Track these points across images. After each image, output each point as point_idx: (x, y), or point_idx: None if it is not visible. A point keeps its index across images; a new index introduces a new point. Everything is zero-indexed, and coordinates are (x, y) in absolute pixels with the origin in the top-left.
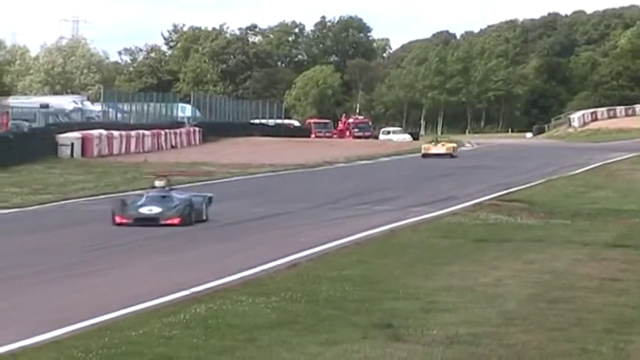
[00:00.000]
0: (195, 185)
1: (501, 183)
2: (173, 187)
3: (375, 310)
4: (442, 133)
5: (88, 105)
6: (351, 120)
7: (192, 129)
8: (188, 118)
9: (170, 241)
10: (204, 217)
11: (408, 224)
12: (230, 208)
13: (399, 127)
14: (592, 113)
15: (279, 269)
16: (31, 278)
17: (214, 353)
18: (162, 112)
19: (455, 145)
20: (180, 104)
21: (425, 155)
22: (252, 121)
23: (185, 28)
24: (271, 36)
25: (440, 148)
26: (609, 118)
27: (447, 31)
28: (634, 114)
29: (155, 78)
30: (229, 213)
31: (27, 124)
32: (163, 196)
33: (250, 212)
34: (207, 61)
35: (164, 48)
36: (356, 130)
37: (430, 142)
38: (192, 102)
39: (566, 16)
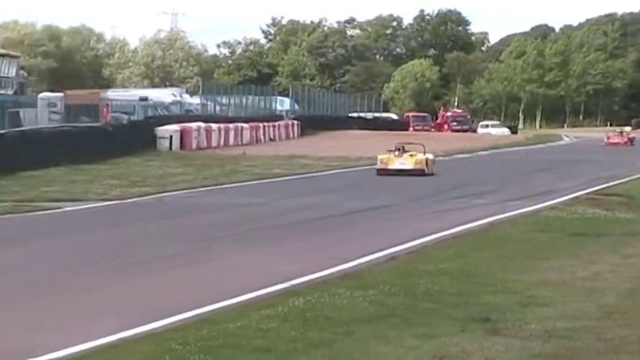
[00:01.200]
0: (293, 178)
1: (599, 177)
2: None
3: (473, 303)
4: (540, 126)
5: (187, 98)
6: (449, 113)
7: (290, 122)
8: (286, 111)
9: (271, 232)
10: None
11: (506, 218)
12: (328, 201)
13: (497, 120)
14: None
15: (377, 262)
16: (130, 270)
17: (312, 346)
18: (260, 105)
19: (429, 156)
20: (279, 97)
21: (381, 172)
22: (350, 115)
23: (284, 22)
24: (369, 29)
25: (405, 161)
26: None
27: (546, 25)
28: None
29: (254, 71)
30: (328, 206)
31: (126, 116)
32: None
33: (348, 205)
34: (305, 54)
35: (263, 41)
36: (454, 123)
37: (391, 152)
38: (290, 95)
39: None
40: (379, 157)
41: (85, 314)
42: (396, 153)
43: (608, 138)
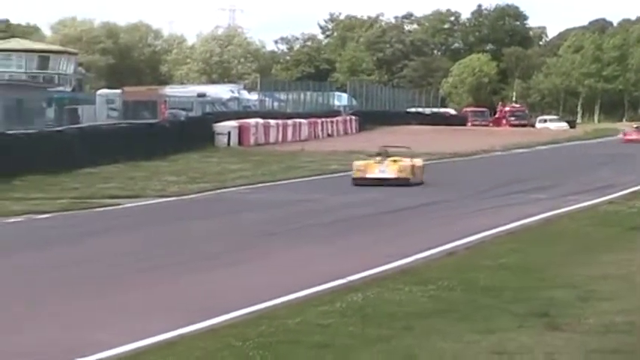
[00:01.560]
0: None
1: None
2: None
3: (532, 298)
4: (599, 121)
5: (245, 94)
6: (507, 108)
7: (348, 117)
8: (344, 106)
9: (327, 229)
10: None
11: (564, 212)
12: (386, 196)
13: (555, 115)
14: None
15: (436, 257)
16: (189, 265)
17: (370, 342)
18: (318, 101)
19: (417, 162)
20: (337, 93)
21: (358, 181)
22: (408, 110)
23: (341, 17)
24: (427, 24)
25: (386, 169)
26: None
27: (604, 19)
28: None
29: (312, 67)
30: (384, 202)
31: (184, 113)
32: None
33: (406, 201)
34: (363, 49)
35: (320, 37)
36: (512, 118)
37: (372, 158)
38: (348, 91)
39: None
40: (356, 163)
41: (142, 311)
42: (377, 158)
43: (625, 134)
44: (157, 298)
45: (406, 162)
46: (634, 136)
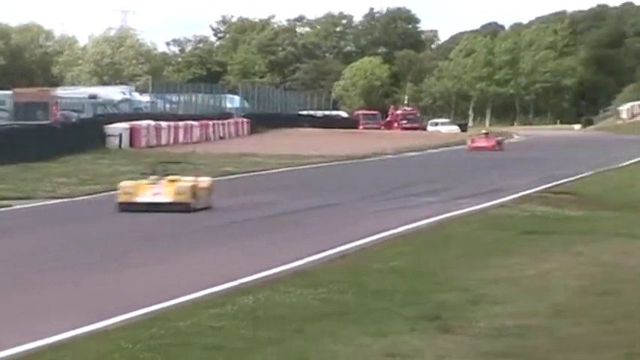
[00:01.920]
0: (243, 176)
1: (549, 175)
2: None
3: (424, 301)
4: (490, 124)
5: (136, 95)
6: (399, 111)
7: (240, 120)
8: (236, 109)
9: (220, 231)
10: None
11: (455, 216)
12: (278, 199)
13: (447, 118)
14: None
15: (327, 260)
16: (80, 268)
17: (262, 344)
18: (210, 103)
19: (203, 182)
20: (229, 95)
21: (124, 206)
22: (300, 113)
23: (233, 19)
24: (319, 27)
25: (160, 191)
26: None
27: (496, 23)
28: None
29: (204, 69)
30: (277, 204)
31: (75, 114)
32: None
33: (299, 203)
34: (255, 52)
35: (212, 39)
36: (404, 121)
37: (145, 177)
38: (240, 93)
39: (615, 7)
40: (123, 184)
41: (35, 313)
42: (152, 178)
43: (472, 141)
44: (53, 300)
45: (186, 182)
46: (482, 143)
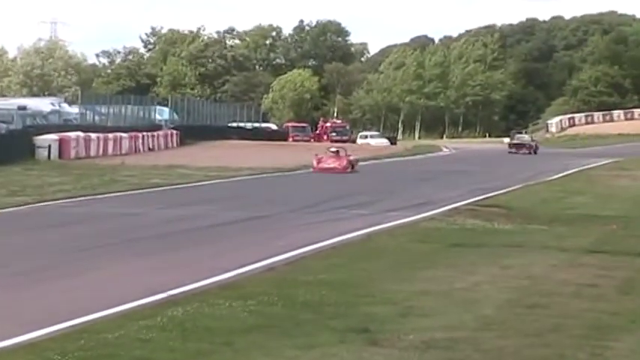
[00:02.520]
0: (172, 188)
1: (479, 188)
2: None
3: (352, 314)
4: (419, 137)
5: (66, 107)
6: (328, 124)
7: (169, 132)
8: (166, 120)
9: (148, 243)
10: None
11: (385, 229)
12: (207, 212)
13: (376, 131)
14: (570, 119)
15: (256, 273)
16: (7, 280)
17: (191, 356)
18: (139, 115)
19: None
20: (158, 107)
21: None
22: (230, 125)
23: (163, 31)
24: (248, 39)
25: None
26: (587, 123)
27: (426, 36)
28: (612, 120)
29: (133, 81)
30: (206, 216)
31: (4, 125)
32: None
33: (227, 215)
34: (185, 64)
35: (142, 50)
36: (333, 134)
37: None
38: (170, 105)
39: (545, 21)
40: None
41: None
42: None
43: (319, 161)
44: None
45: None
46: (330, 164)
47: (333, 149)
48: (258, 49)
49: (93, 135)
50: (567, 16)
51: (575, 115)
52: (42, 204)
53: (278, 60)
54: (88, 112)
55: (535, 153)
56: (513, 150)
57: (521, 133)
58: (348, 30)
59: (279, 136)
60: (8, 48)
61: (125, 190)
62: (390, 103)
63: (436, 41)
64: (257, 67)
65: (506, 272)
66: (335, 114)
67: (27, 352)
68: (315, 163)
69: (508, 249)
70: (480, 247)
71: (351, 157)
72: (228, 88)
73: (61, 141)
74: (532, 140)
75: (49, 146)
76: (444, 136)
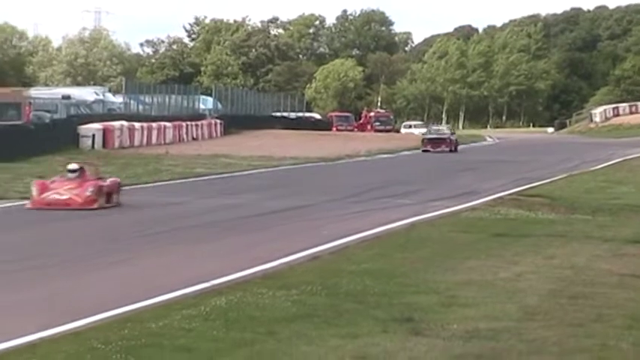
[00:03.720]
0: (216, 177)
1: (522, 177)
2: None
3: (396, 303)
4: (463, 127)
5: (110, 96)
6: (372, 113)
7: (213, 121)
8: (209, 110)
9: (192, 232)
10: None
11: (428, 218)
12: (251, 201)
13: (420, 120)
14: (614, 109)
15: (300, 262)
16: (54, 269)
17: (234, 346)
18: (183, 104)
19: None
20: (202, 96)
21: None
22: (273, 114)
23: (207, 21)
24: (292, 29)
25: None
26: (631, 113)
27: (470, 25)
28: None
29: (177, 70)
30: (250, 205)
31: (49, 115)
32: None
33: (271, 205)
34: (228, 53)
35: (186, 40)
36: (377, 123)
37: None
38: (213, 94)
39: (589, 11)
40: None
41: (3, 314)
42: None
43: (43, 189)
44: (24, 301)
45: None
46: (63, 195)
47: (72, 167)
48: (301, 39)
49: (137, 124)
50: (611, 6)
51: (619, 105)
52: None
53: (321, 49)
54: (131, 101)
55: (455, 150)
56: (428, 148)
57: (438, 125)
58: (392, 19)
59: (323, 125)
60: (53, 37)
61: (169, 179)
62: (434, 93)
63: (480, 31)
64: (300, 56)
65: (549, 262)
66: (379, 103)
67: (70, 342)
68: (35, 192)
69: (552, 239)
70: (524, 237)
71: (107, 183)
72: (272, 77)
73: (104, 130)
74: (452, 133)
75: (93, 136)
76: (488, 126)
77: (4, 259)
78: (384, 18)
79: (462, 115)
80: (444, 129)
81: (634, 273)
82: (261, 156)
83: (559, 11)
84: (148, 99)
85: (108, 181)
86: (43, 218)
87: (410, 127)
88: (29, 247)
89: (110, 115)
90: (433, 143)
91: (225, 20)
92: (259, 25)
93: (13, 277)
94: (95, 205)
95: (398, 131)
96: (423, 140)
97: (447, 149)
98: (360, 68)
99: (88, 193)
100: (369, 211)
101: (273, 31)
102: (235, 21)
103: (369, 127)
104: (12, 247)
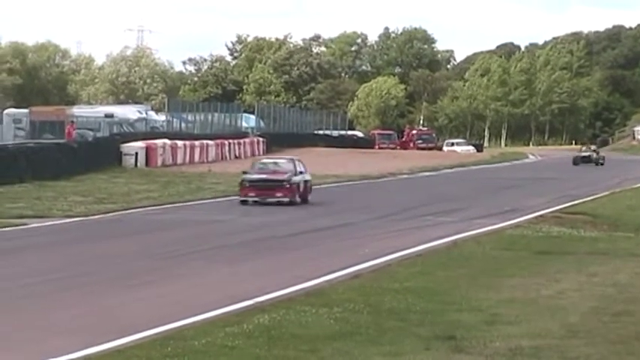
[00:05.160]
0: None
1: (565, 195)
2: None
3: (438, 321)
4: (506, 145)
5: (152, 115)
6: (414, 131)
7: (256, 139)
8: (252, 128)
9: (235, 250)
10: None
11: (470, 236)
12: (294, 219)
13: (462, 138)
14: None
15: (342, 280)
16: (98, 286)
17: None
18: (226, 122)
19: None
20: (245, 114)
21: None
22: (315, 132)
23: (249, 39)
24: (334, 47)
25: None
26: None
27: (512, 43)
28: None
29: (219, 88)
30: (294, 223)
31: (91, 133)
32: None
33: (314, 223)
34: (270, 71)
35: (228, 58)
36: (419, 141)
37: None
38: (256, 112)
39: (631, 28)
40: None
41: (47, 332)
42: None
43: None
44: (68, 318)
45: None
46: None
47: None
48: (343, 57)
49: (179, 142)
50: None
51: None
52: (128, 211)
53: (364, 67)
54: (174, 119)
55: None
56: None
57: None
58: (434, 37)
59: (365, 143)
60: (96, 56)
61: (211, 197)
62: (476, 111)
63: (522, 48)
64: (342, 74)
65: (592, 280)
66: (421, 121)
67: (114, 359)
68: None
69: (594, 256)
70: (566, 254)
71: None
72: (314, 95)
73: (147, 148)
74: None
75: (136, 154)
76: (530, 144)
77: (52, 277)
78: (426, 36)
79: (503, 132)
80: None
81: None
82: None
83: (601, 28)
84: (190, 117)
85: None
86: (89, 236)
87: (452, 144)
88: (76, 265)
89: (153, 133)
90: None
91: (267, 38)
92: (301, 43)
93: (62, 295)
94: None
95: (440, 149)
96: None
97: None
98: (402, 86)
99: None
100: (411, 229)
101: (316, 49)
102: (277, 39)
103: (411, 144)
104: (60, 264)
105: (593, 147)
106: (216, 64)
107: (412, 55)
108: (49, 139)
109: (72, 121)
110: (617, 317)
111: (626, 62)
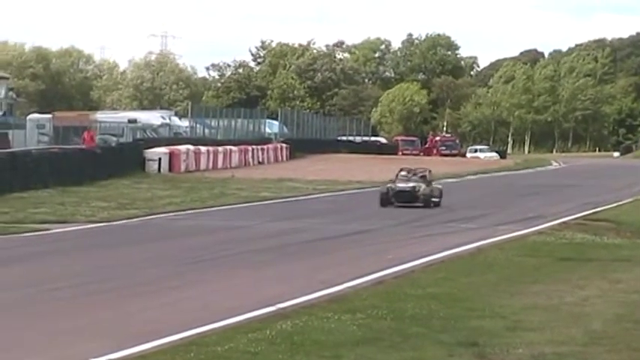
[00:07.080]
0: (281, 201)
1: (588, 202)
2: None
3: (461, 328)
4: (529, 151)
5: (176, 120)
6: (438, 138)
7: (279, 145)
8: (275, 134)
9: (258, 256)
10: None
11: (494, 242)
12: (316, 225)
13: (486, 145)
14: None
15: (365, 286)
16: (121, 291)
17: None
18: (249, 128)
19: None
20: (268, 120)
21: None
22: (339, 138)
23: (273, 44)
24: (357, 53)
25: None
26: None
27: (535, 50)
28: None
29: (243, 94)
30: (315, 230)
31: (115, 138)
32: None
33: (336, 229)
34: (294, 77)
35: (252, 64)
36: (443, 147)
37: None
38: (279, 118)
39: None
40: None
41: (71, 337)
42: None
43: None
44: (92, 324)
45: None
46: None
47: None
48: (367, 63)
49: (203, 148)
50: None
51: None
52: (151, 217)
53: (387, 73)
54: (198, 125)
55: None
56: None
57: None
58: (457, 43)
59: (389, 149)
60: (120, 61)
61: (234, 203)
62: (500, 117)
63: (546, 55)
64: (366, 80)
65: (615, 286)
66: (444, 128)
67: None
68: None
69: (617, 263)
70: (589, 261)
71: None
72: (337, 101)
73: (171, 154)
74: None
75: (159, 159)
76: (554, 151)
77: (76, 282)
78: (450, 42)
79: (527, 139)
80: None
81: None
82: (326, 180)
83: (625, 35)
84: (214, 123)
85: None
86: (113, 241)
87: (475, 151)
88: (99, 270)
89: (176, 138)
90: None
91: (290, 44)
92: (325, 49)
93: (85, 300)
94: None
95: (464, 155)
96: None
97: None
98: (426, 92)
99: None
100: (434, 235)
101: (339, 55)
102: (301, 45)
103: (434, 151)
104: (83, 269)
105: (420, 172)
106: (240, 70)
107: (435, 62)
108: (77, 144)
109: (89, 128)
110: None
111: None
